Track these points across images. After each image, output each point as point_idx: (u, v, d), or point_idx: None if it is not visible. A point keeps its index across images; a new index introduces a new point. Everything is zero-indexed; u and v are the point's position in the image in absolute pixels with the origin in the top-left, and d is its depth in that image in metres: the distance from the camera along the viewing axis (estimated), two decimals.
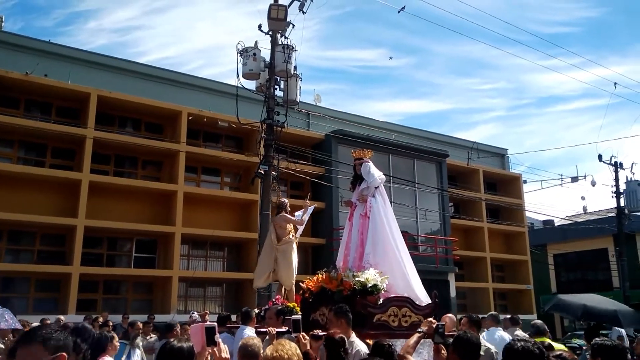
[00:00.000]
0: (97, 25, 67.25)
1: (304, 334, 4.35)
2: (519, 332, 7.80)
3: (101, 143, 16.61)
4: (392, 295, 5.83)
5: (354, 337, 4.63)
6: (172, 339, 3.13)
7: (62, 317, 11.68)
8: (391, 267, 6.13)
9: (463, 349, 3.50)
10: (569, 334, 21.55)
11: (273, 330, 4.97)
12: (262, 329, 5.70)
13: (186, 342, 2.98)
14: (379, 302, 5.58)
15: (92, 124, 16.35)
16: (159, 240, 18.20)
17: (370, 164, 6.81)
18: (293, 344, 3.13)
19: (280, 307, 6.09)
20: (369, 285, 5.51)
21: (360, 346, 4.53)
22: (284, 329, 5.07)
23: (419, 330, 4.25)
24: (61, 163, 17.01)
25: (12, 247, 16.28)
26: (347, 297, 5.45)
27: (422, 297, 6.18)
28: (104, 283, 17.21)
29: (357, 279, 5.55)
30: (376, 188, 6.61)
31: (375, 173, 6.67)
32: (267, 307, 6.78)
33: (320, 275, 5.93)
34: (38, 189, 16.01)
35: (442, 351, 4.12)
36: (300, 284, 6.13)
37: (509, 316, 8.77)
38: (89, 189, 15.98)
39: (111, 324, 10.36)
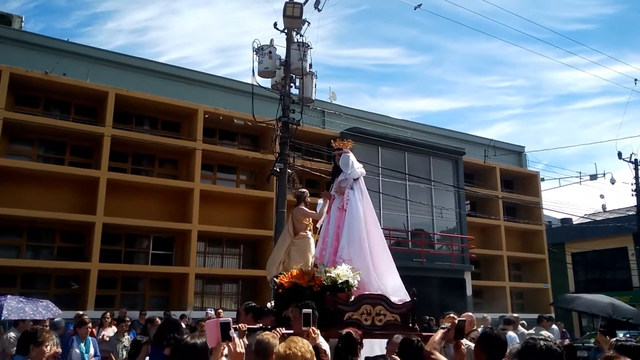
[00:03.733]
0: (115, 26, 68.01)
1: (314, 328, 4.37)
2: (511, 333, 7.81)
3: (119, 141, 16.79)
4: (365, 293, 5.61)
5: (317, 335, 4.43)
6: (185, 336, 3.17)
7: (81, 312, 11.85)
8: (367, 263, 5.90)
9: (490, 346, 3.51)
10: (587, 333, 21.29)
11: (244, 326, 4.85)
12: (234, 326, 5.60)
13: (200, 339, 3.01)
14: (351, 300, 5.36)
15: (110, 122, 16.54)
16: (176, 238, 18.36)
17: (351, 155, 6.56)
18: (305, 341, 3.14)
19: (251, 304, 5.84)
20: (340, 281, 5.29)
21: (323, 346, 4.30)
22: (256, 325, 4.96)
23: (443, 326, 4.25)
24: (80, 161, 17.23)
25: (32, 244, 16.54)
26: (317, 294, 5.27)
27: (401, 295, 5.93)
28: (122, 279, 17.41)
29: (327, 274, 5.34)
30: (355, 180, 6.37)
31: (354, 165, 6.43)
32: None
33: (294, 271, 5.69)
34: (57, 186, 16.24)
35: (462, 347, 4.13)
36: (275, 279, 5.90)
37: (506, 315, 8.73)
38: (107, 187, 16.17)
39: (128, 320, 10.48)
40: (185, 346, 2.95)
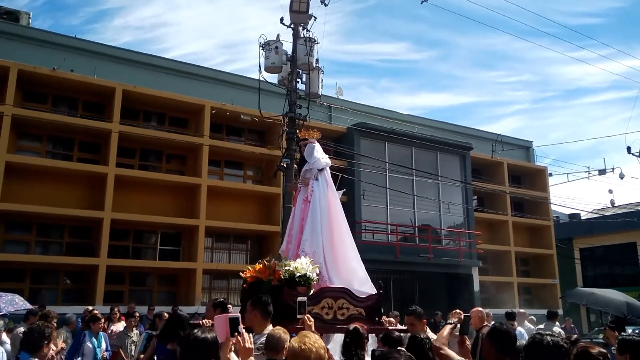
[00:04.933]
0: (122, 22, 68.18)
1: (308, 315, 4.47)
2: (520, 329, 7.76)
3: (126, 137, 16.84)
4: (327, 286, 5.48)
5: (269, 331, 4.22)
6: (196, 330, 3.18)
7: (90, 307, 11.93)
8: (331, 256, 5.77)
9: (500, 340, 3.54)
10: (596, 329, 21.20)
11: (208, 322, 4.74)
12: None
13: (210, 333, 3.02)
14: (310, 293, 5.21)
15: (117, 118, 16.59)
16: (183, 233, 18.42)
17: (316, 145, 6.41)
18: (317, 336, 3.15)
19: (219, 300, 5.72)
20: (298, 275, 5.16)
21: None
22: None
23: (450, 321, 4.27)
24: (88, 157, 17.30)
25: (41, 240, 16.64)
26: (276, 288, 5.17)
27: (367, 289, 5.78)
28: (130, 275, 17.50)
29: (285, 268, 5.22)
30: (320, 171, 6.21)
31: (318, 155, 6.27)
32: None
33: (258, 265, 5.55)
34: (65, 182, 16.32)
35: (467, 342, 4.14)
36: (240, 273, 5.77)
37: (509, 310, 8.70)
38: (114, 182, 16.23)
39: (138, 315, 10.55)
40: (196, 340, 2.96)
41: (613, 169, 24.86)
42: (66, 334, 8.77)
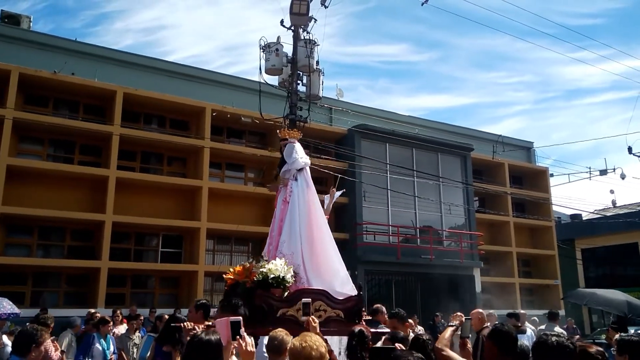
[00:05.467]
0: (123, 25, 68.29)
1: (313, 317, 4.49)
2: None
3: (127, 140, 16.85)
4: (303, 288, 5.38)
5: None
6: (199, 332, 3.18)
7: (92, 310, 11.93)
8: (310, 257, 5.66)
9: (501, 340, 3.56)
10: (598, 330, 21.18)
11: (189, 325, 4.68)
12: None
13: (214, 335, 3.02)
14: (285, 295, 5.11)
15: (118, 121, 16.61)
16: (184, 236, 18.43)
17: (296, 145, 6.32)
18: (317, 336, 3.17)
19: (201, 301, 5.63)
20: (271, 276, 5.06)
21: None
22: (207, 323, 4.73)
23: (451, 324, 4.28)
24: (89, 160, 17.32)
25: (43, 243, 16.66)
26: (250, 290, 5.10)
27: (348, 290, 5.67)
28: (131, 277, 17.51)
29: (260, 270, 5.13)
30: (299, 171, 6.12)
31: (297, 155, 6.18)
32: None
33: (238, 267, 5.48)
34: (67, 185, 16.34)
35: (468, 345, 4.15)
36: (223, 275, 5.69)
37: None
38: (116, 185, 16.25)
39: (142, 317, 10.57)
40: (200, 342, 2.96)
41: (614, 169, 24.84)
42: (71, 336, 8.79)
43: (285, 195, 6.01)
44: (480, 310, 4.91)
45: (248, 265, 5.33)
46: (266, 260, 5.39)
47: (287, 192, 6.00)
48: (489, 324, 5.49)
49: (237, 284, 5.28)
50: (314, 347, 2.96)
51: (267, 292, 5.02)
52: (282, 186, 6.12)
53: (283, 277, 5.10)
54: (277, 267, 5.13)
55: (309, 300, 4.73)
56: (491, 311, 14.71)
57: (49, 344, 3.73)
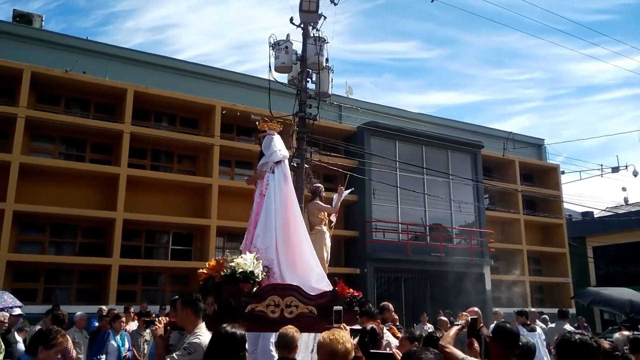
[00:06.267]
0: (134, 24, 68.67)
1: (344, 324, 4.47)
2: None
3: (138, 138, 16.96)
4: (273, 282, 5.22)
5: (200, 329, 4.06)
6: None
7: (104, 307, 12.04)
8: (285, 252, 5.53)
9: (503, 337, 3.68)
10: (610, 328, 21.04)
11: (163, 320, 4.53)
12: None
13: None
14: (254, 290, 4.95)
15: (129, 119, 16.72)
16: (195, 233, 18.52)
17: (275, 137, 6.17)
18: (344, 332, 3.32)
19: (174, 298, 5.48)
20: (239, 270, 4.91)
21: (201, 338, 3.88)
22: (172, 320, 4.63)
23: (457, 323, 4.28)
24: (100, 158, 17.45)
25: (55, 240, 16.82)
26: (219, 285, 4.97)
27: (324, 286, 5.50)
28: (142, 275, 17.63)
29: (229, 264, 4.98)
30: (277, 164, 5.98)
31: (275, 147, 6.03)
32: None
33: (212, 262, 5.29)
34: (78, 183, 16.48)
35: (475, 345, 4.15)
36: (198, 271, 5.51)
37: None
38: (127, 183, 16.36)
39: (154, 315, 10.65)
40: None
41: (626, 166, 24.59)
42: (74, 334, 8.82)
43: (262, 189, 5.86)
44: (476, 309, 4.88)
45: (221, 259, 5.18)
46: (238, 255, 5.24)
47: (264, 185, 5.84)
48: (494, 322, 5.43)
49: (208, 279, 5.15)
50: (341, 342, 3.10)
51: (236, 287, 4.87)
52: (260, 179, 5.97)
53: (251, 271, 4.94)
54: (245, 261, 4.99)
55: (340, 308, 4.69)
56: (497, 309, 14.70)
57: (70, 345, 3.75)
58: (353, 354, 3.15)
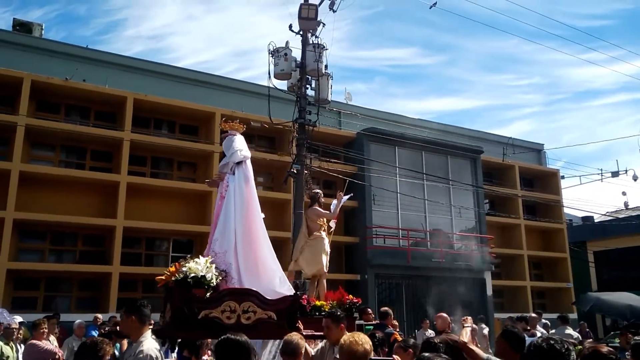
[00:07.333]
0: (134, 32, 68.89)
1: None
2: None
3: (138, 145, 16.97)
4: (230, 287, 5.05)
5: (146, 336, 3.98)
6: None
7: (99, 315, 12.01)
8: (245, 255, 5.36)
9: (513, 339, 3.95)
10: (612, 333, 20.97)
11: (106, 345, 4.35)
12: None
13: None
14: (207, 296, 4.77)
15: (129, 126, 16.73)
16: (195, 240, 18.48)
17: (236, 137, 5.91)
18: (363, 334, 3.47)
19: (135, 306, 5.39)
20: (191, 275, 4.77)
21: (147, 346, 3.82)
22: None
23: (466, 325, 4.55)
24: (100, 165, 17.45)
25: (55, 248, 16.80)
26: (170, 290, 4.88)
27: (285, 290, 5.32)
28: (142, 282, 17.58)
29: (182, 269, 4.85)
30: (238, 165, 5.74)
31: (235, 147, 5.77)
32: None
33: (172, 267, 5.15)
34: (78, 191, 16.47)
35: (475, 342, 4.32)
36: (156, 277, 5.31)
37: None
38: (127, 190, 16.35)
39: (153, 322, 10.61)
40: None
41: (626, 170, 24.63)
42: (73, 342, 8.76)
43: (222, 191, 5.63)
44: (444, 315, 4.93)
45: (179, 264, 5.03)
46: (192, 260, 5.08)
47: (224, 186, 5.61)
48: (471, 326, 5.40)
49: (165, 285, 5.01)
50: (360, 344, 3.29)
51: (188, 292, 4.70)
52: (220, 181, 5.75)
53: (203, 276, 4.77)
54: (198, 265, 4.84)
55: (362, 322, 4.72)
56: (501, 315, 14.62)
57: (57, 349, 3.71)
58: (372, 354, 3.35)
